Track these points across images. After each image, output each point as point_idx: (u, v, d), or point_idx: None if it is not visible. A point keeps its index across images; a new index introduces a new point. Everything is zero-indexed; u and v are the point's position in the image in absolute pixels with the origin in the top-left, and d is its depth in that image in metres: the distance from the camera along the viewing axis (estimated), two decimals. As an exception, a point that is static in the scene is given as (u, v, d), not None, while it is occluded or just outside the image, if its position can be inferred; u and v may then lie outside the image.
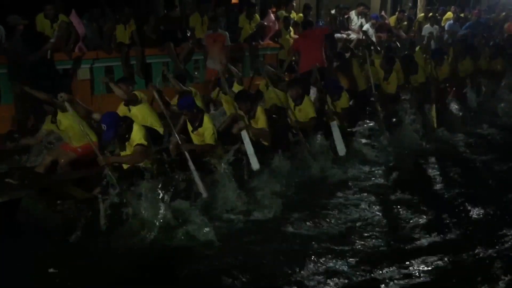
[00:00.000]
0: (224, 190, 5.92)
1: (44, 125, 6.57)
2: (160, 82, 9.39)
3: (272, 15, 11.66)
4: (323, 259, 4.94)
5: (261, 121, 6.79)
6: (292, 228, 5.52)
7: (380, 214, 5.94)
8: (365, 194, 6.46)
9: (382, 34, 12.98)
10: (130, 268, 4.90)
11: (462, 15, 15.58)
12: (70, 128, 6.32)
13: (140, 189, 5.50)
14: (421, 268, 4.80)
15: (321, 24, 13.27)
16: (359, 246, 5.21)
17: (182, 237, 5.25)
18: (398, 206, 6.13)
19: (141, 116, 6.94)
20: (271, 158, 6.64)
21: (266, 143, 6.91)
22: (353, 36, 12.95)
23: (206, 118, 6.29)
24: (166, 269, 4.88)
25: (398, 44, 12.88)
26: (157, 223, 5.29)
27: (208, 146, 6.23)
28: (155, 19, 10.19)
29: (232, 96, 7.17)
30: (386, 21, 14.16)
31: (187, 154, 5.86)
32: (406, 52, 10.73)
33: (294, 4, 13.42)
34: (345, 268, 4.81)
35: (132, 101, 6.96)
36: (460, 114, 9.29)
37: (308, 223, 5.65)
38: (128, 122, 5.83)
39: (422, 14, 15.78)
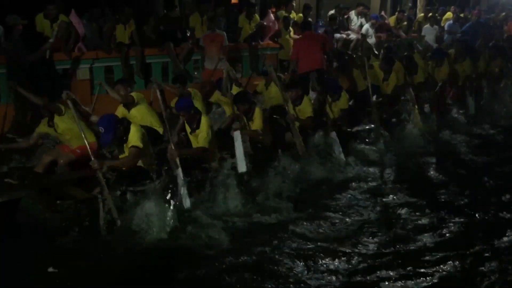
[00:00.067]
0: (225, 190, 5.91)
1: (38, 128, 6.46)
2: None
3: (272, 15, 11.66)
4: (324, 259, 4.94)
5: (256, 122, 6.77)
6: (293, 228, 5.51)
7: (381, 215, 5.95)
8: (365, 194, 6.46)
9: (382, 34, 12.98)
10: (130, 268, 4.89)
11: (462, 15, 15.56)
12: (67, 130, 6.30)
13: (140, 189, 5.49)
14: (421, 268, 4.80)
15: (321, 24, 13.29)
16: (361, 247, 5.21)
17: (183, 237, 5.24)
18: (399, 206, 6.13)
19: (140, 117, 6.93)
20: (271, 158, 6.63)
21: (264, 144, 6.88)
22: (352, 36, 12.95)
23: (203, 120, 6.22)
24: (166, 269, 4.87)
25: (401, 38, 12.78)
26: (158, 223, 5.27)
27: (200, 150, 6.15)
28: (155, 19, 10.19)
29: (231, 98, 7.16)
30: (386, 21, 14.15)
31: (177, 161, 5.71)
32: (405, 53, 10.74)
33: (294, 4, 13.41)
34: (347, 268, 4.81)
35: (129, 104, 6.95)
36: (460, 114, 9.29)
37: (309, 223, 5.64)
38: (125, 124, 5.75)
39: (422, 14, 15.80)
